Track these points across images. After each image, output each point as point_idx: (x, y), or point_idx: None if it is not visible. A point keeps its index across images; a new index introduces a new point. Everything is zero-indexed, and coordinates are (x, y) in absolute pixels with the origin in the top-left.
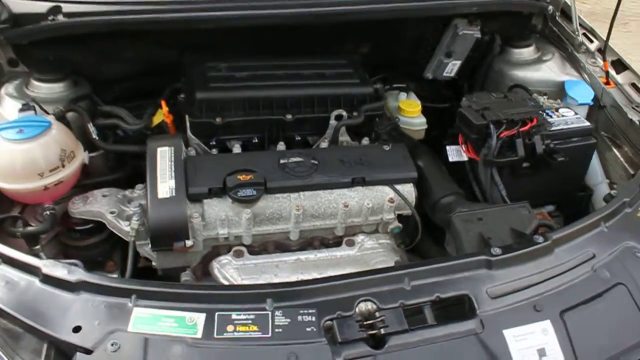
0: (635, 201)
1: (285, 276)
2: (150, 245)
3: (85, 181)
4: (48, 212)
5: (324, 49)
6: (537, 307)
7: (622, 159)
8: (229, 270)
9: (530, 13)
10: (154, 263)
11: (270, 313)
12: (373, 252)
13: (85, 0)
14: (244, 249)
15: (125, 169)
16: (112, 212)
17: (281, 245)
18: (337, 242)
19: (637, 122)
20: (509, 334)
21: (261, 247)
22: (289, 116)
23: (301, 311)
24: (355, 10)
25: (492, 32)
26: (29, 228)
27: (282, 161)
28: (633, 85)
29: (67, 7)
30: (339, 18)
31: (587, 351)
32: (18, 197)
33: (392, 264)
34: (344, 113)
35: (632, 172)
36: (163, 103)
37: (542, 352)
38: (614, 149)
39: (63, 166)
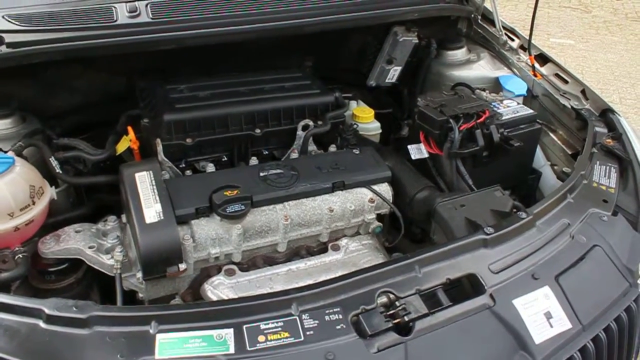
0: (588, 174)
1: (281, 288)
2: (141, 275)
3: (49, 220)
4: (20, 256)
5: (270, 64)
6: (535, 276)
7: (559, 142)
8: (224, 290)
9: (457, 18)
10: (140, 295)
11: (297, 317)
12: (359, 253)
13: (30, 29)
14: (234, 267)
15: (89, 204)
16: (91, 247)
17: (269, 259)
18: (322, 249)
19: (569, 107)
20: (518, 303)
21: (250, 263)
22: (257, 131)
23: (327, 311)
24: (299, 24)
25: (427, 37)
26: (3, 275)
27: (262, 174)
28: (557, 75)
29: (10, 37)
30: (285, 32)
31: (584, 308)
32: None
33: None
34: (311, 123)
35: (569, 152)
36: (130, 129)
37: (548, 315)
38: (550, 133)
39: (34, 203)
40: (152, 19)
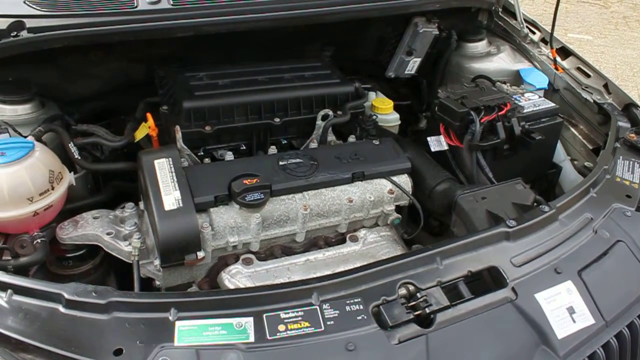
0: (611, 168)
1: (299, 278)
2: (158, 262)
3: (67, 206)
4: (39, 241)
5: (289, 53)
6: (557, 270)
7: (579, 136)
8: (241, 279)
9: (478, 9)
10: (157, 282)
11: (318, 307)
12: (377, 245)
13: (51, 14)
14: (252, 256)
15: (107, 190)
16: (109, 234)
17: (287, 249)
18: (340, 240)
19: (592, 101)
20: (540, 297)
21: (267, 252)
22: (277, 120)
23: (347, 301)
24: (319, 13)
25: (448, 28)
26: (22, 259)
27: (281, 163)
28: (578, 69)
29: (31, 22)
30: (305, 21)
31: (607, 304)
32: (3, 226)
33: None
34: (330, 112)
35: (590, 147)
36: (149, 116)
37: (571, 310)
38: (571, 128)
39: (53, 188)
40: (172, 5)
